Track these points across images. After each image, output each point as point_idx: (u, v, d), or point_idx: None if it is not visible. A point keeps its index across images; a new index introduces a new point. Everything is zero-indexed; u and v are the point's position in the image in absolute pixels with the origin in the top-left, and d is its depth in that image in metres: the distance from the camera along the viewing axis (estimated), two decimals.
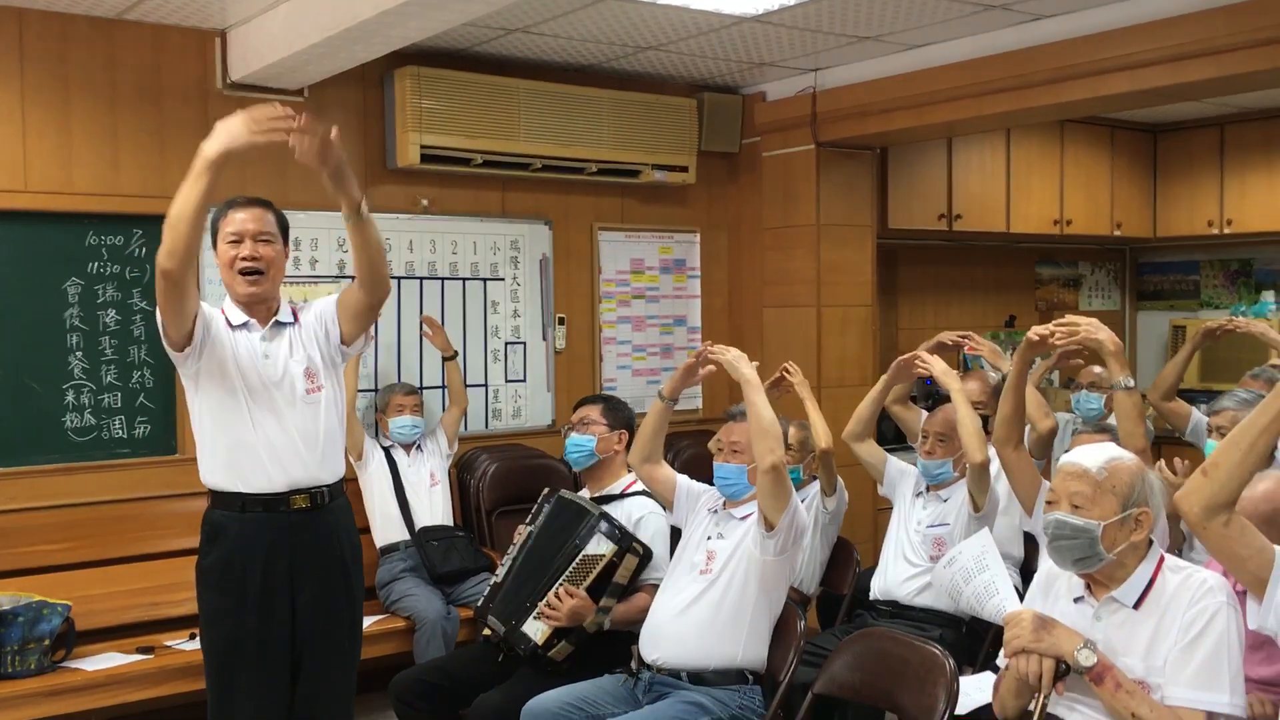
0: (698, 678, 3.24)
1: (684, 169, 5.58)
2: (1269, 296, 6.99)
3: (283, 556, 2.95)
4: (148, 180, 4.45)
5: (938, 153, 6.12)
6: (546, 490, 3.91)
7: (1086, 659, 2.40)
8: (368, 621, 3.65)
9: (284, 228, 3.06)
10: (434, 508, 4.72)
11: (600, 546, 3.50)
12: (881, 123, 5.24)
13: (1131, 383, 3.31)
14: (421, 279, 5.11)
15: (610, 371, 5.67)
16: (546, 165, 5.18)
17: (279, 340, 2.99)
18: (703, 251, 5.94)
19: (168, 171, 4.50)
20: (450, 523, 4.78)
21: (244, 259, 2.93)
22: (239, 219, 2.95)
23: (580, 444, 3.84)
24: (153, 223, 4.46)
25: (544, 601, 3.47)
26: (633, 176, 5.48)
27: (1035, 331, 3.29)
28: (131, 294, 4.45)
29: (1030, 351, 3.35)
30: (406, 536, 4.62)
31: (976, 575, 2.67)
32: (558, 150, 5.16)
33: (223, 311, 3.01)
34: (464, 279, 5.23)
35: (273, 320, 3.00)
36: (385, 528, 4.64)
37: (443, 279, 5.17)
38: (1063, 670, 2.43)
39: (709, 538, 3.44)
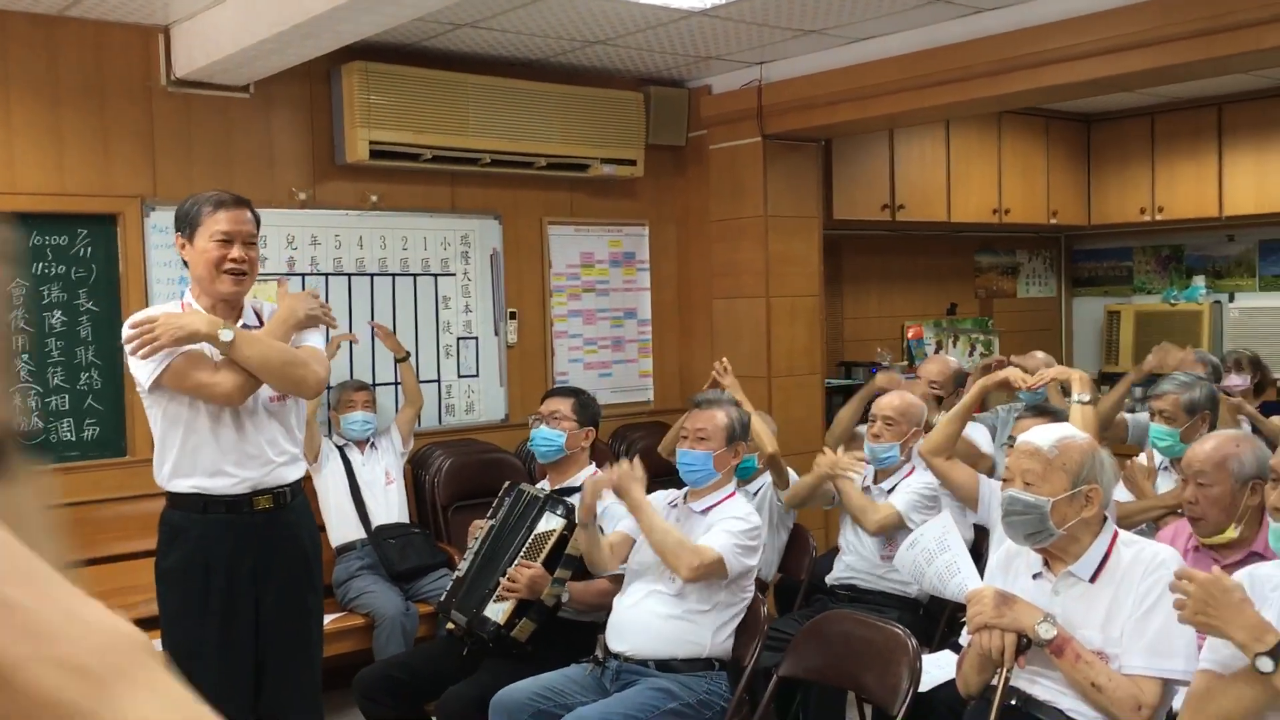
0: (665, 666, 3.28)
1: (632, 162, 5.61)
2: (1199, 281, 7.20)
3: (247, 556, 2.95)
4: (92, 179, 4.38)
5: (880, 144, 6.22)
6: (507, 484, 3.92)
7: (1047, 632, 2.48)
8: (326, 619, 3.65)
9: (259, 224, 3.07)
10: (389, 506, 4.72)
11: (550, 523, 3.56)
12: (826, 115, 5.32)
13: (1086, 398, 3.52)
14: (372, 275, 5.09)
15: (562, 365, 5.69)
16: (496, 160, 5.18)
17: None
18: (652, 244, 5.98)
19: (112, 170, 4.44)
20: (406, 520, 4.77)
21: (233, 260, 2.91)
22: (231, 219, 2.92)
23: (550, 438, 3.86)
24: (97, 222, 4.41)
25: (502, 581, 3.51)
26: (581, 170, 5.50)
27: (1014, 380, 3.50)
28: (78, 294, 4.37)
29: (990, 388, 3.52)
30: (363, 535, 4.61)
31: (938, 556, 2.74)
32: (507, 145, 5.16)
33: (184, 309, 2.97)
34: (415, 275, 5.21)
35: (239, 324, 2.98)
36: (341, 526, 4.63)
37: (393, 275, 5.15)
38: (1024, 644, 2.51)
39: None
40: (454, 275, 5.33)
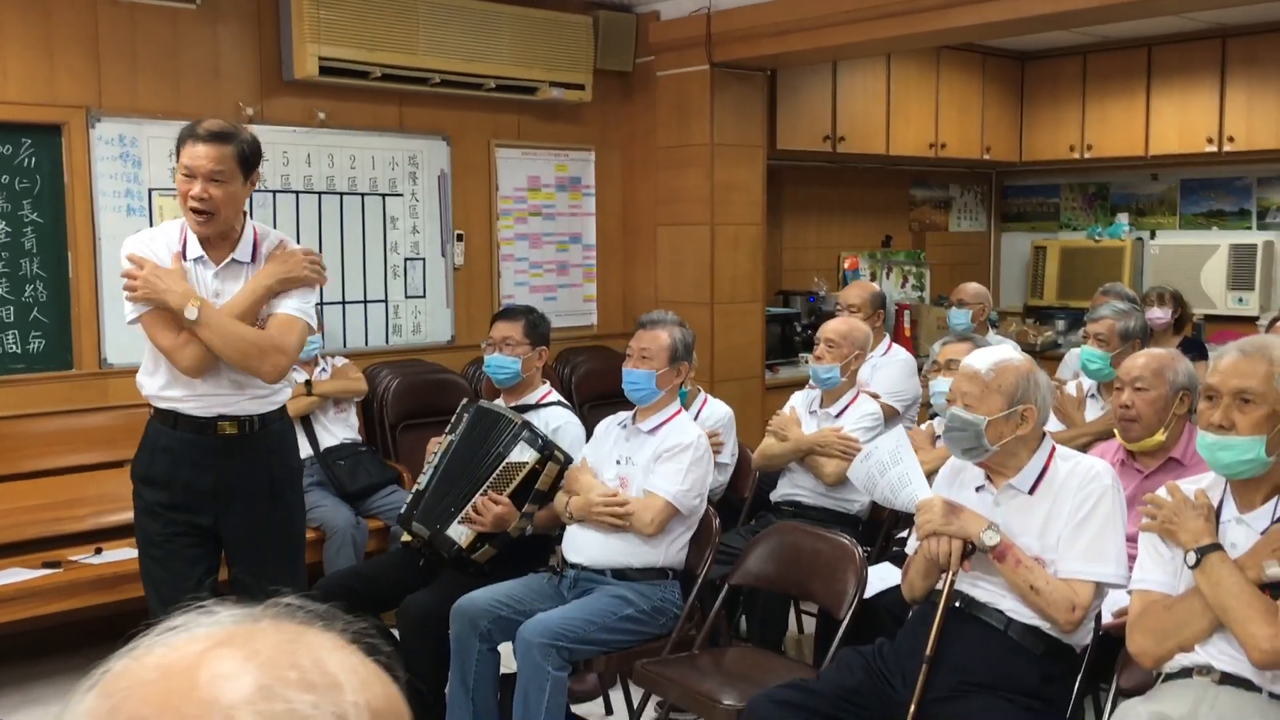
0: (621, 574, 3.41)
1: (580, 86, 5.63)
2: (1123, 219, 7.44)
3: (209, 474, 3.00)
4: (36, 88, 4.29)
5: (823, 77, 6.30)
6: (465, 400, 3.98)
7: (991, 539, 2.64)
8: None
9: (247, 158, 2.91)
10: (338, 426, 4.75)
11: (523, 454, 3.59)
12: (773, 45, 5.38)
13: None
14: (320, 194, 5.07)
15: (508, 288, 5.73)
16: (445, 80, 5.16)
17: (231, 281, 2.98)
18: (598, 170, 6.02)
19: (56, 80, 4.35)
20: (356, 438, 4.81)
21: (194, 198, 2.85)
22: (194, 154, 2.84)
23: (504, 365, 3.88)
24: (42, 132, 4.33)
25: (469, 507, 3.57)
26: (530, 93, 5.51)
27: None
28: (22, 205, 4.30)
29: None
30: (310, 453, 4.64)
31: (891, 468, 2.88)
32: (456, 65, 5.15)
33: (183, 236, 2.97)
34: (363, 194, 5.20)
35: (229, 259, 2.98)
36: None
37: (341, 194, 5.13)
38: (969, 550, 2.68)
39: (618, 461, 3.56)
40: (401, 196, 5.33)
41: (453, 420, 3.88)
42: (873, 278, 7.19)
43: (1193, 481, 2.55)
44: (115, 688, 0.66)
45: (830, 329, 4.21)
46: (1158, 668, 2.44)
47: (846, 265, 7.14)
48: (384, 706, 0.68)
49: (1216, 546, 2.33)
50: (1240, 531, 2.38)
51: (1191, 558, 2.32)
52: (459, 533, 3.59)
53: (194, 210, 2.87)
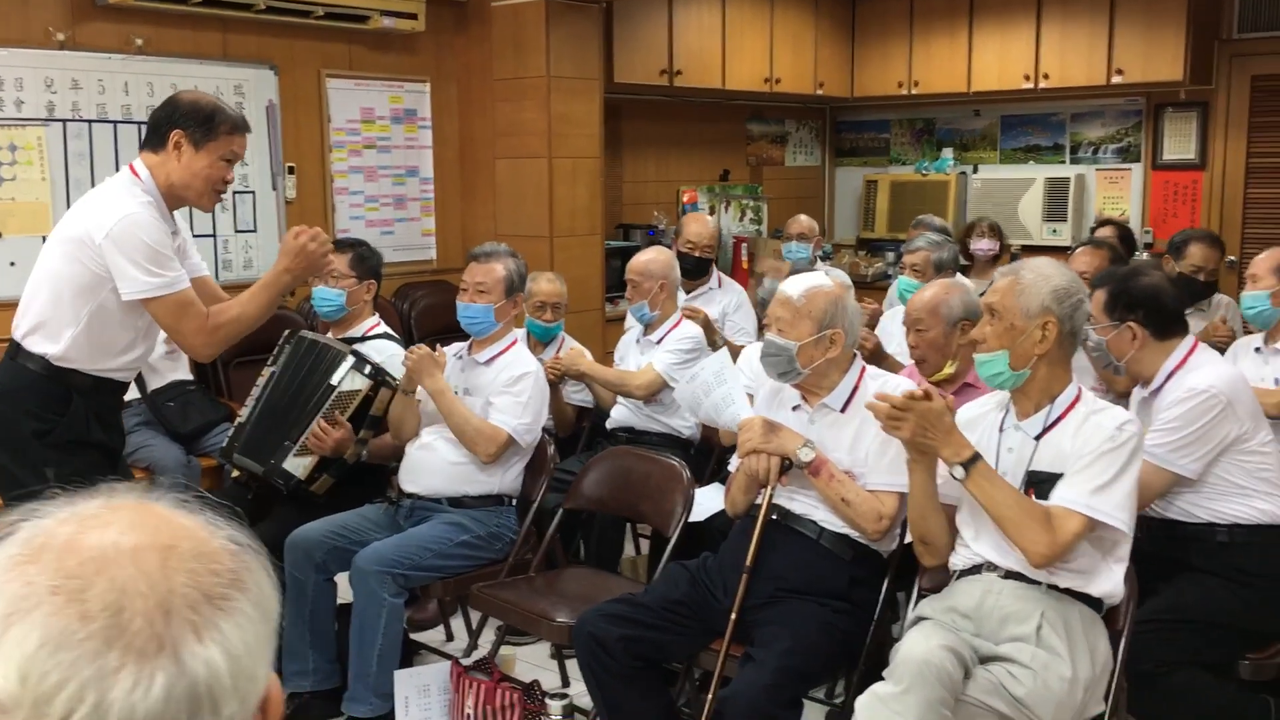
0: (457, 502, 3.46)
1: (412, 16, 5.53)
2: (948, 154, 7.75)
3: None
4: None
5: (659, 10, 6.34)
6: (287, 332, 3.92)
7: (806, 455, 2.79)
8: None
9: None
10: (165, 368, 4.63)
11: (355, 382, 3.58)
12: None
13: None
14: (139, 124, 4.87)
15: (343, 222, 5.64)
16: (270, 7, 5.01)
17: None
18: (434, 102, 5.94)
19: None
20: (184, 378, 4.70)
21: (227, 182, 2.94)
22: (242, 145, 2.93)
23: (330, 298, 3.83)
24: None
25: (306, 437, 3.54)
26: (361, 22, 5.39)
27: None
28: None
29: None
30: (137, 395, 4.52)
31: (716, 388, 2.99)
32: None
33: (160, 211, 2.89)
34: None
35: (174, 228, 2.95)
36: None
37: None
38: (786, 465, 2.82)
39: (456, 392, 3.58)
40: None
41: (274, 353, 3.81)
42: (711, 211, 7.32)
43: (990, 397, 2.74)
44: (33, 536, 0.76)
45: (630, 269, 4.31)
46: (938, 563, 2.65)
47: (685, 199, 7.24)
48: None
49: (978, 457, 2.48)
50: (1017, 437, 2.58)
51: (959, 471, 2.47)
52: (295, 465, 3.56)
53: (219, 193, 2.95)
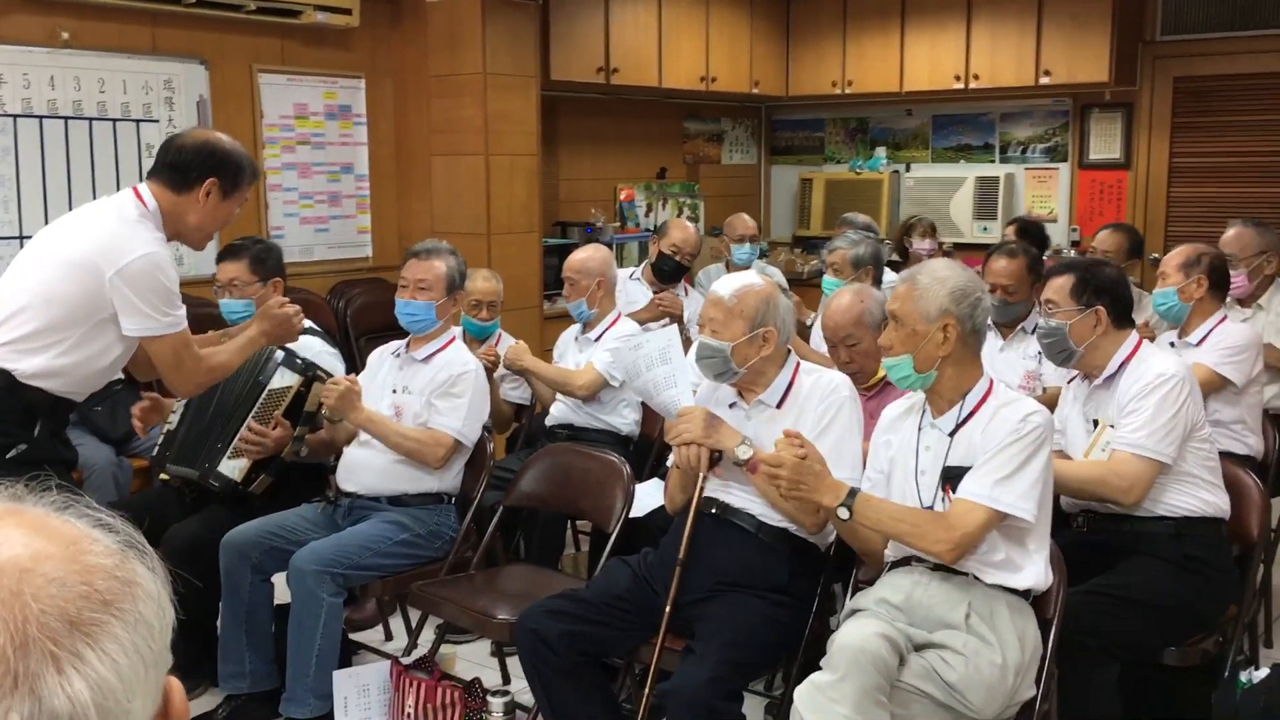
0: (396, 501, 3.44)
1: (346, 11, 5.48)
2: (881, 153, 7.85)
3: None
4: None
5: (595, 8, 6.34)
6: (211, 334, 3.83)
7: (745, 453, 2.81)
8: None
9: None
10: None
11: (285, 379, 3.52)
12: None
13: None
14: (66, 119, 4.78)
15: (277, 219, 5.58)
16: (201, 0, 4.93)
17: None
18: (369, 98, 5.89)
19: None
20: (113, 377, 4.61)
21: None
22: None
23: (237, 309, 3.71)
24: None
25: (237, 439, 3.49)
26: (293, 16, 5.33)
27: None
28: None
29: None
30: None
31: (659, 365, 2.98)
32: None
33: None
34: (114, 120, 4.93)
35: None
36: None
37: (90, 119, 4.85)
38: (715, 457, 2.84)
39: (394, 390, 3.57)
40: (157, 122, 5.08)
41: None
42: (649, 209, 7.35)
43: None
44: None
45: (567, 266, 4.32)
46: (878, 567, 2.71)
47: (623, 196, 7.26)
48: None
49: (854, 492, 2.57)
50: (933, 435, 2.64)
51: (843, 513, 2.56)
52: (231, 467, 3.50)
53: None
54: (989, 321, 2.95)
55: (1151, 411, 2.89)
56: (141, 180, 2.94)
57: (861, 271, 4.42)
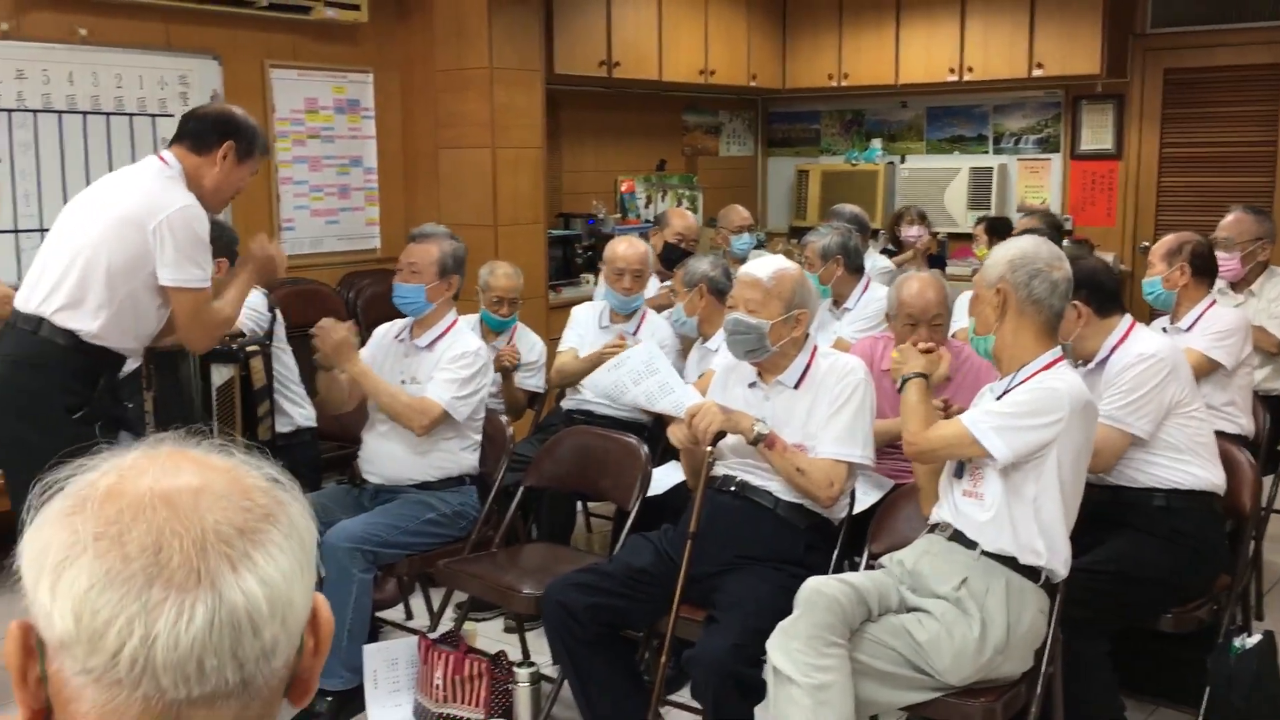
0: (421, 486, 3.55)
1: (356, 6, 5.59)
2: (876, 144, 7.98)
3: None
4: None
5: (598, 2, 6.45)
6: (146, 350, 3.43)
7: (763, 429, 2.94)
8: None
9: None
10: None
11: (222, 374, 3.48)
12: None
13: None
14: (85, 114, 4.88)
15: (288, 212, 5.68)
16: None
17: None
18: (377, 92, 6.00)
19: None
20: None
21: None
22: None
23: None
24: None
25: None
26: (304, 12, 5.43)
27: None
28: None
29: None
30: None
31: (648, 377, 3.12)
32: None
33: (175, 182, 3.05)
34: (131, 115, 5.03)
35: None
36: None
37: (108, 114, 4.95)
38: (720, 434, 2.95)
39: (403, 382, 3.62)
40: (172, 116, 5.16)
41: (145, 378, 3.46)
42: (648, 201, 7.46)
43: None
44: (77, 489, 0.83)
45: (632, 259, 4.35)
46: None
47: (623, 188, 7.38)
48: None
49: (917, 375, 2.86)
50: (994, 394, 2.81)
51: (900, 382, 2.87)
52: None
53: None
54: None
55: (1128, 386, 3.03)
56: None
57: (831, 262, 4.51)
